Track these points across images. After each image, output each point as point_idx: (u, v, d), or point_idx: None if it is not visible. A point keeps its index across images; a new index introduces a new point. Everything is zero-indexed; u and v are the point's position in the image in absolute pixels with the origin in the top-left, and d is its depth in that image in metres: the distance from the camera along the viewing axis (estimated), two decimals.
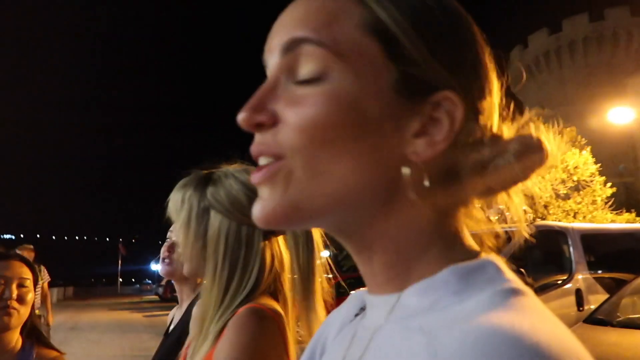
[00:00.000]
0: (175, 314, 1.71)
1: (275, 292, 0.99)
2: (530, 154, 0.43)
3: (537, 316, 0.35)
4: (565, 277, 5.80)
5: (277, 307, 0.94)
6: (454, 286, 0.39)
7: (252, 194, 0.97)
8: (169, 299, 25.86)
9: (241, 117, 0.42)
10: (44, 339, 1.54)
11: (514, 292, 0.37)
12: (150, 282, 56.42)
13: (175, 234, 1.02)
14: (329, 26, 0.41)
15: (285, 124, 0.41)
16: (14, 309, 1.38)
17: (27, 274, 1.46)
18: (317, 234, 0.96)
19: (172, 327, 1.66)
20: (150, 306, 24.61)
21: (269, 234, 1.00)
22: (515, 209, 0.46)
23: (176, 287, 1.64)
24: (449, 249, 0.43)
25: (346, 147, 0.40)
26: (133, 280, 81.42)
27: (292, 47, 0.43)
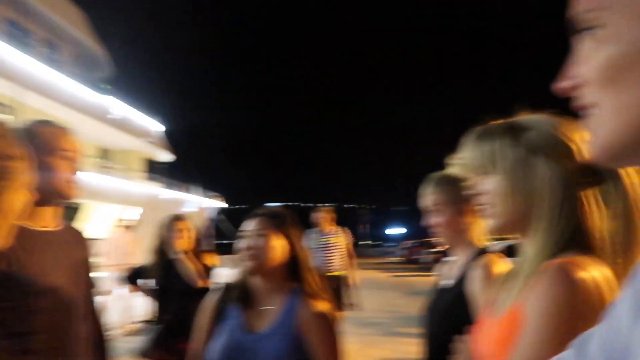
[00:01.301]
0: (446, 270, 1.74)
1: (590, 247, 0.89)
2: None
3: None
4: None
5: (593, 263, 0.84)
6: None
7: (569, 138, 0.93)
8: (410, 260, 27.26)
9: (560, 86, 0.54)
10: (315, 289, 1.60)
11: None
12: (393, 245, 59.77)
13: (483, 187, 0.95)
14: None
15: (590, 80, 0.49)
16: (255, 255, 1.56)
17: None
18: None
19: (445, 282, 1.69)
20: (395, 267, 26.00)
21: (591, 182, 0.91)
22: None
23: (447, 244, 1.69)
24: None
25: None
26: (377, 243, 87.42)
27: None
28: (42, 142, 1.49)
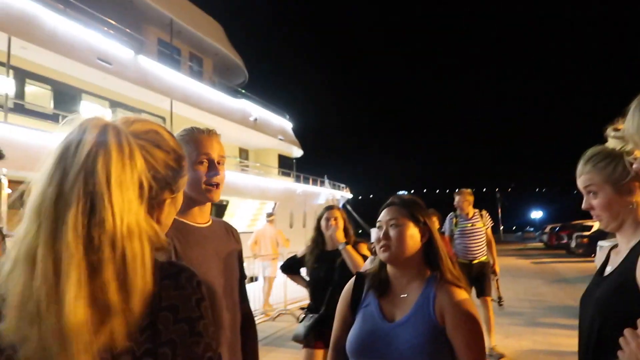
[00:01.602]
0: (604, 256, 1.57)
1: None
2: None
3: None
4: None
5: None
6: None
7: None
8: (554, 246, 25.06)
9: None
10: (452, 276, 1.55)
11: None
12: (532, 229, 55.67)
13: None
14: None
15: None
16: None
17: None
18: None
19: (605, 269, 1.50)
20: (535, 253, 24.30)
21: None
22: None
23: (606, 227, 1.49)
24: None
25: None
26: (514, 228, 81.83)
27: None
28: (191, 148, 1.62)
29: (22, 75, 11.12)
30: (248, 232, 9.71)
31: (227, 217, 16.72)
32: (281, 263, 3.72)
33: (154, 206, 0.84)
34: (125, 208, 0.75)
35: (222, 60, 20.59)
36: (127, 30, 13.79)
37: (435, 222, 1.68)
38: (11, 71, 9.99)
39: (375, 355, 1.50)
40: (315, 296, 3.28)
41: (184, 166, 0.91)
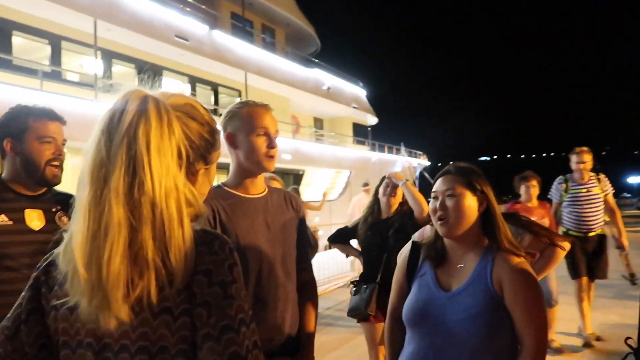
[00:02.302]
0: None
1: None
2: None
3: None
4: None
5: None
6: None
7: None
8: None
9: None
10: (511, 246, 1.51)
11: None
12: (629, 195, 51.79)
13: None
14: None
15: None
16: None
17: None
18: None
19: None
20: (632, 221, 22.50)
21: None
22: None
23: None
24: None
25: None
26: None
27: None
28: (248, 120, 1.66)
29: (108, 56, 11.82)
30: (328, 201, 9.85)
31: (304, 186, 17.01)
32: None
33: (189, 175, 0.88)
34: (164, 172, 0.80)
35: (294, 30, 20.58)
36: (202, 6, 14.13)
37: (492, 190, 1.58)
38: (99, 52, 10.66)
39: (431, 324, 1.49)
40: (369, 264, 3.18)
41: (217, 139, 0.95)
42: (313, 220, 10.34)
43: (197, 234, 0.83)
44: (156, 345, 0.78)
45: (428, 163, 29.21)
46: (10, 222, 1.66)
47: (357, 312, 3.03)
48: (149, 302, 0.77)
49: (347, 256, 3.72)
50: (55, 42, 10.88)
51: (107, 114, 0.83)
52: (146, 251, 0.77)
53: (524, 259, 1.49)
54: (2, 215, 1.66)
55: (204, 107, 0.94)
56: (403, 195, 3.22)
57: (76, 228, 0.80)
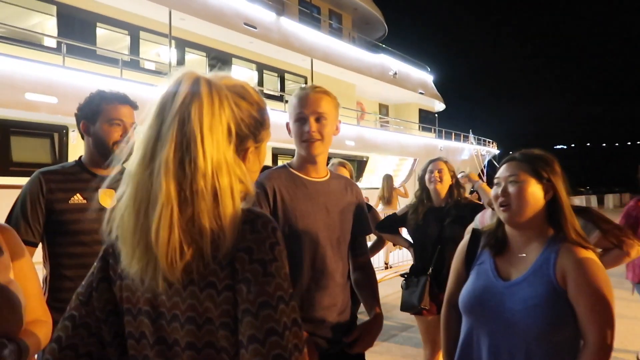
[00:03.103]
0: None
1: None
2: None
3: None
4: None
5: None
6: None
7: None
8: None
9: None
10: (577, 237, 1.43)
11: None
12: None
13: None
14: None
15: None
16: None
17: None
18: None
19: None
20: None
21: None
22: None
23: None
24: None
25: None
26: None
27: None
28: (290, 109, 1.69)
29: (182, 45, 12.32)
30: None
31: (368, 173, 16.95)
32: None
33: (239, 152, 0.91)
34: (215, 148, 0.83)
35: (361, 15, 20.37)
36: None
37: (562, 178, 1.47)
38: (173, 42, 11.13)
39: (487, 313, 1.45)
40: (422, 255, 3.05)
41: (266, 119, 0.97)
42: (377, 208, 10.32)
43: (242, 212, 0.86)
44: (203, 317, 0.82)
45: (497, 151, 28.10)
46: (84, 201, 1.81)
47: (411, 307, 2.97)
48: (198, 270, 0.82)
49: (394, 245, 3.55)
50: (134, 32, 11.49)
51: (161, 96, 0.87)
52: (199, 221, 0.80)
53: (593, 252, 1.41)
54: (78, 195, 1.82)
55: (253, 88, 0.96)
56: (452, 181, 3.10)
57: (127, 200, 0.85)
